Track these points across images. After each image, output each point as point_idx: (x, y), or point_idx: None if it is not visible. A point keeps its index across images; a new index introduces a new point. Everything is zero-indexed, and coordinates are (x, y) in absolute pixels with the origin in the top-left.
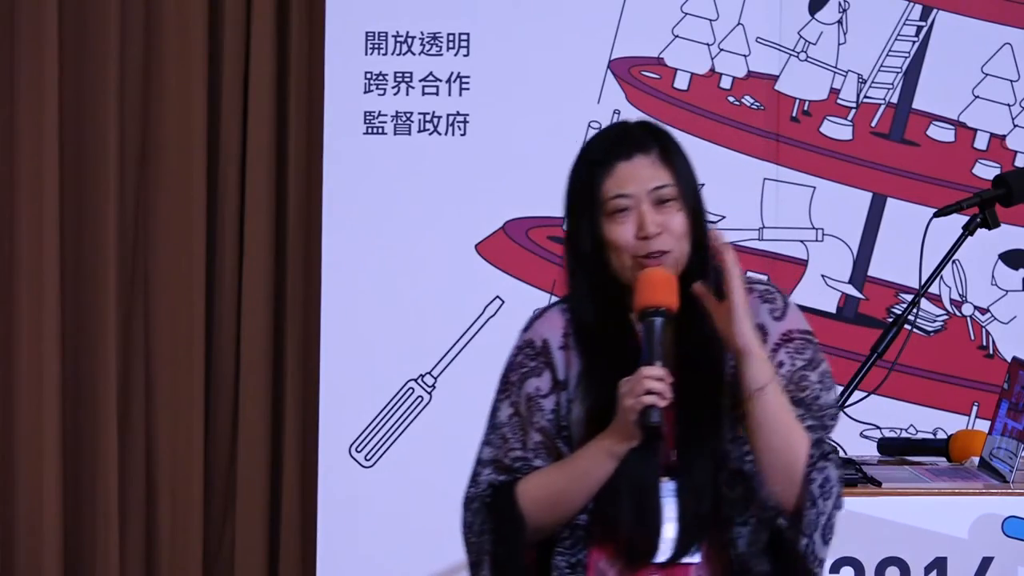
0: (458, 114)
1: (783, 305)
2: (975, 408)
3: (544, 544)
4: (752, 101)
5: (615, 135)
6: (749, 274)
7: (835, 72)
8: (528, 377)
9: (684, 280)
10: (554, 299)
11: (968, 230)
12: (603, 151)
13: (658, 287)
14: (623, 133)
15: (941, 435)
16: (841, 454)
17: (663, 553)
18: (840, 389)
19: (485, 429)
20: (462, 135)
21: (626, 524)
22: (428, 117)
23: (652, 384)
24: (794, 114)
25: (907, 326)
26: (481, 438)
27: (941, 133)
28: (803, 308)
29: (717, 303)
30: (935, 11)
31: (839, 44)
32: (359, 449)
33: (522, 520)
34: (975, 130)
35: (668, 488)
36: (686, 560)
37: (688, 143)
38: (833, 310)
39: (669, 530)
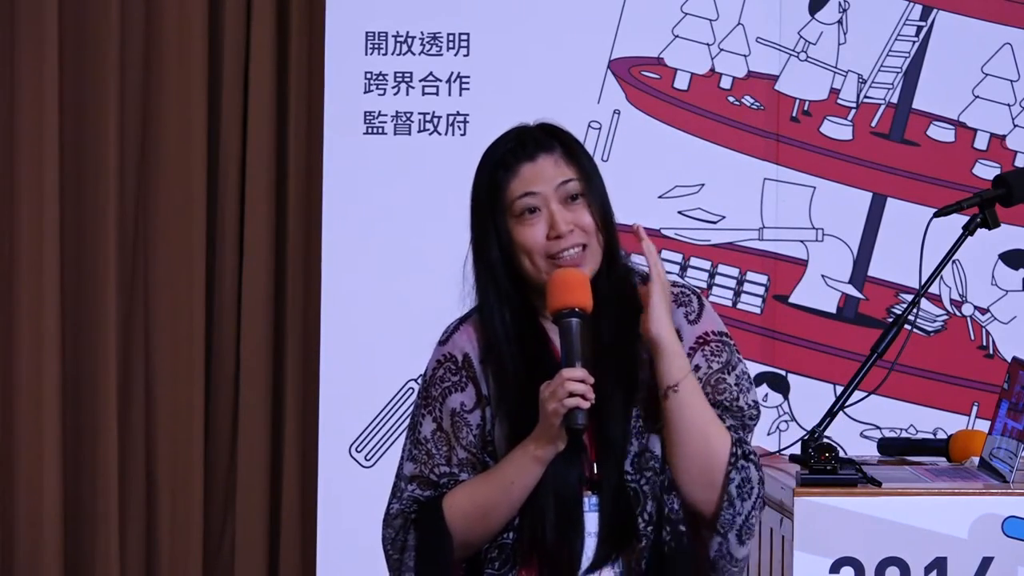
0: (458, 114)
1: (698, 307)
2: (975, 408)
3: (472, 565)
4: (752, 101)
5: (515, 138)
6: (679, 257)
7: (835, 72)
8: (451, 392)
9: (595, 280)
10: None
11: (968, 230)
12: (505, 153)
13: (572, 287)
14: (523, 135)
15: (941, 435)
16: (841, 454)
17: (585, 567)
18: (756, 390)
19: (406, 443)
20: (462, 135)
21: (550, 541)
22: (428, 117)
23: (574, 386)
24: (794, 114)
25: (907, 326)
26: (402, 453)
27: (941, 133)
28: (803, 308)
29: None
30: (935, 11)
31: (839, 44)
32: (359, 449)
33: (448, 536)
34: (975, 130)
35: (591, 503)
36: (605, 572)
37: (688, 143)
38: (833, 310)
39: (591, 544)
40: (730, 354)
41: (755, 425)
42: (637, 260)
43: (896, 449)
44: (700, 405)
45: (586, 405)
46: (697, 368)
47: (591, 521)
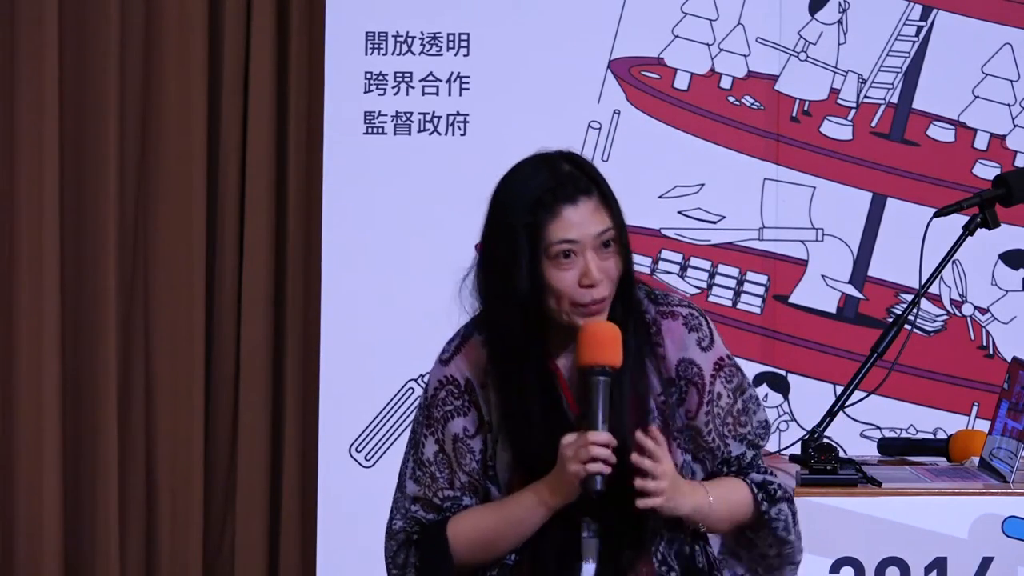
0: (458, 114)
1: (709, 332)
2: (975, 408)
3: None
4: (752, 101)
5: (551, 174)
6: (669, 295)
7: (835, 72)
8: (453, 416)
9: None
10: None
11: (968, 230)
12: (544, 193)
13: (606, 344)
14: (559, 173)
15: (941, 435)
16: (841, 454)
17: None
18: (766, 410)
19: (408, 460)
20: (462, 135)
21: (549, 565)
22: (428, 117)
23: (598, 451)
24: (794, 114)
25: (907, 326)
26: (404, 468)
27: (941, 133)
28: (803, 308)
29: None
30: (935, 11)
31: (839, 44)
32: (359, 449)
33: (451, 559)
34: (975, 130)
35: (591, 528)
36: None
37: (688, 143)
38: (833, 310)
39: (590, 571)
40: (741, 377)
41: (767, 441)
42: (637, 259)
43: (896, 449)
44: (723, 508)
45: (607, 471)
46: (719, 396)
47: (590, 547)
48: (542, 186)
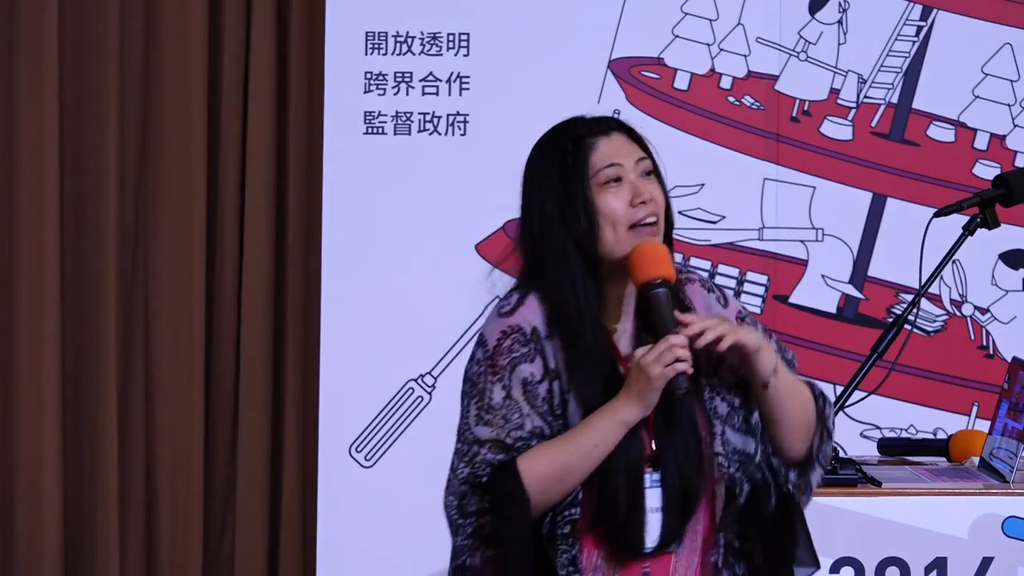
0: (458, 114)
1: (720, 292)
2: (975, 408)
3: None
4: (752, 101)
5: (583, 120)
6: (679, 257)
7: (835, 72)
8: (520, 363)
9: None
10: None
11: (968, 230)
12: (580, 128)
13: (658, 259)
14: (589, 118)
15: (941, 435)
16: (841, 454)
17: (651, 543)
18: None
19: (470, 411)
20: (462, 135)
21: (615, 516)
22: (428, 117)
23: (681, 352)
24: (794, 114)
25: (907, 326)
26: (465, 420)
27: (941, 133)
28: (803, 308)
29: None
30: (935, 11)
31: (839, 44)
32: (359, 449)
33: (527, 497)
34: (975, 130)
35: (652, 479)
36: (670, 549)
37: (688, 143)
38: (833, 310)
39: (655, 520)
40: (763, 326)
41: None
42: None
43: (896, 449)
44: (790, 374)
45: (691, 370)
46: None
47: (653, 497)
48: (574, 130)
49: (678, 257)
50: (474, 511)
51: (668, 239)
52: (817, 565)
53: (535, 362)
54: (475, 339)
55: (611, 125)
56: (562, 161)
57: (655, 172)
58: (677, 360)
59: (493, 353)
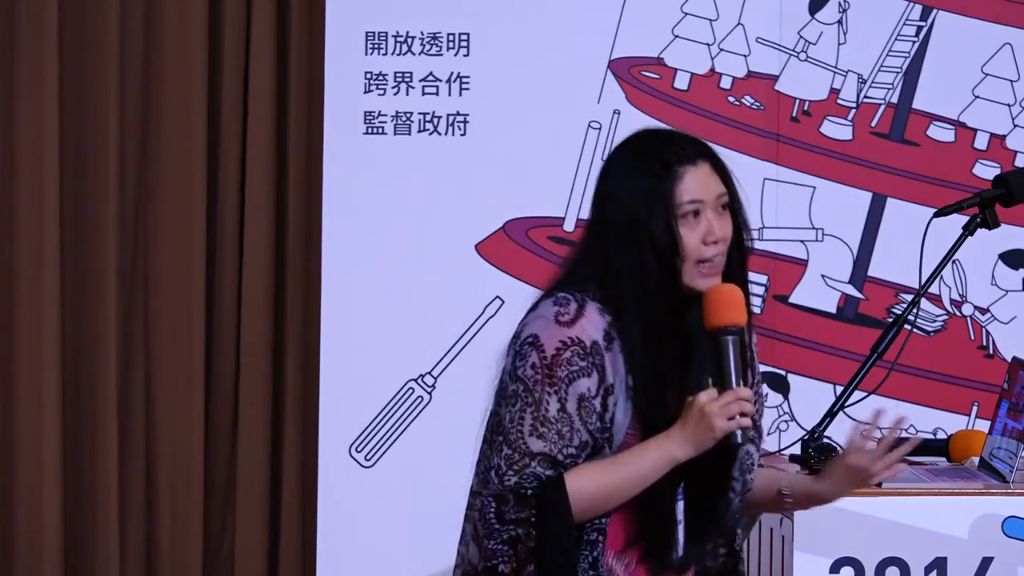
0: (458, 114)
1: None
2: (975, 408)
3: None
4: (752, 101)
5: (676, 140)
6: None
7: (835, 72)
8: (578, 377)
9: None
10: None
11: (968, 230)
12: (672, 154)
13: (733, 304)
14: (683, 139)
15: (941, 435)
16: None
17: (676, 560)
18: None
19: (523, 418)
20: (462, 135)
21: (645, 529)
22: (428, 117)
23: (747, 407)
24: (794, 114)
25: (907, 326)
26: (517, 425)
27: (941, 133)
28: (803, 308)
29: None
30: (935, 11)
31: (839, 44)
32: (359, 449)
33: (571, 514)
34: (975, 130)
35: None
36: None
37: None
38: (833, 310)
39: (680, 536)
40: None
41: None
42: None
43: None
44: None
45: (751, 424)
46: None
47: (679, 512)
48: (665, 151)
49: (762, 279)
50: (514, 519)
51: (742, 269)
52: None
53: (592, 376)
54: (525, 338)
55: (699, 152)
56: (652, 182)
57: (731, 205)
58: (743, 414)
59: (552, 363)
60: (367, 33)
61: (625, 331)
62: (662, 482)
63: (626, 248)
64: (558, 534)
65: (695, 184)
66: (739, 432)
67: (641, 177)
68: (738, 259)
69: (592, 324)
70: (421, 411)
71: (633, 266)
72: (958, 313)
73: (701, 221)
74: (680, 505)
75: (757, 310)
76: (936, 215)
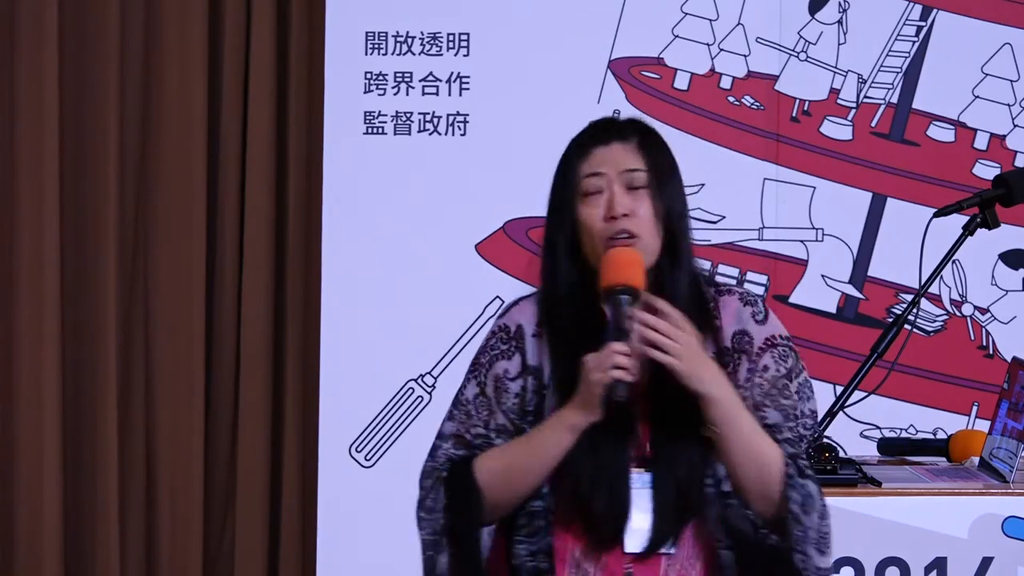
0: (458, 114)
1: (764, 309)
2: (975, 408)
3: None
4: (752, 101)
5: (599, 124)
6: (721, 278)
7: (835, 72)
8: (498, 360)
9: (656, 275)
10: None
11: (968, 230)
12: (582, 136)
13: (623, 266)
14: (607, 123)
15: (941, 435)
16: (841, 454)
17: (638, 544)
18: (834, 397)
19: (450, 406)
20: (462, 135)
21: (594, 509)
22: (428, 117)
23: (620, 359)
24: (794, 114)
25: (907, 326)
26: (445, 416)
27: (941, 133)
28: (803, 308)
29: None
30: (935, 11)
31: (839, 44)
32: (359, 449)
33: (479, 492)
34: (975, 130)
35: (643, 479)
36: (662, 551)
37: (688, 143)
38: (833, 310)
39: (642, 521)
40: (795, 361)
41: (811, 434)
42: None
43: (896, 449)
44: (750, 436)
45: (629, 378)
46: (766, 369)
47: (643, 497)
48: (583, 134)
49: (705, 264)
50: (434, 507)
51: (675, 251)
52: None
53: (512, 359)
54: None
55: (616, 133)
56: (563, 165)
57: (652, 186)
58: (616, 367)
59: (479, 353)
60: (367, 33)
61: (544, 322)
62: (609, 461)
63: (546, 244)
64: (463, 512)
65: (597, 159)
66: (619, 386)
67: (557, 169)
68: (668, 245)
69: (521, 312)
70: (421, 411)
71: (546, 255)
72: (958, 313)
73: (603, 198)
74: (646, 493)
75: None
76: (936, 215)
